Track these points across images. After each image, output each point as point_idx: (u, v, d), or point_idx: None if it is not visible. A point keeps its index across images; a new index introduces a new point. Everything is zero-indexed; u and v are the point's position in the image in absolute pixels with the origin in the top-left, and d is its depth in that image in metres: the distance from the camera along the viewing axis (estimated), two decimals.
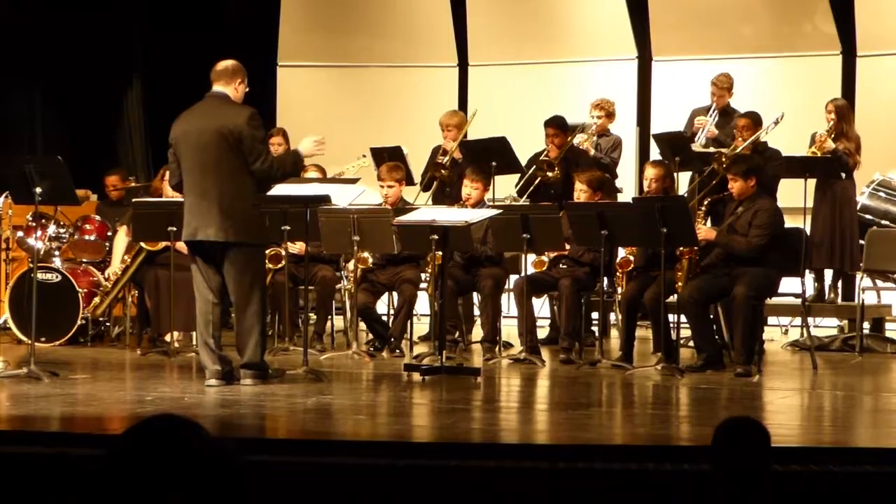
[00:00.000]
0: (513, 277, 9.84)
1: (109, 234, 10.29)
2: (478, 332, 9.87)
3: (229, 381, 7.60)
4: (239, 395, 7.26)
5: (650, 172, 9.34)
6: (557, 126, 10.62)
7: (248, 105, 7.78)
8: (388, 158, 10.54)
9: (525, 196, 10.52)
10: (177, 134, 7.73)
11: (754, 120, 10.44)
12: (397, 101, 13.45)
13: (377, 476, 5.33)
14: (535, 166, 10.54)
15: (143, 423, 2.25)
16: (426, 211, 9.10)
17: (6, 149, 11.87)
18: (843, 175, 10.41)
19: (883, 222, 10.62)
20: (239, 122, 7.55)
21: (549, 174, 10.44)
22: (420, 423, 6.86)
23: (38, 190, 7.96)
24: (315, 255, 9.49)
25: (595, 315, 9.96)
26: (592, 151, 10.84)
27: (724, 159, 9.95)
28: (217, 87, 7.74)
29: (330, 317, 10.02)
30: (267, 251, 8.70)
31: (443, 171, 10.69)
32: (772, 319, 10.84)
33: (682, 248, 8.69)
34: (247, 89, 7.82)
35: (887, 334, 10.45)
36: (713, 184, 9.87)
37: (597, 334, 9.79)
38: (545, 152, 10.61)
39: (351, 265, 9.53)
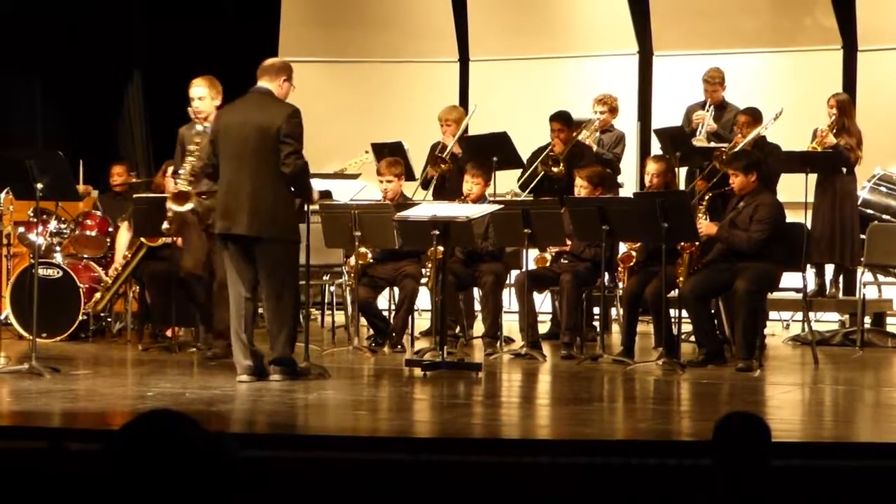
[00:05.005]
0: (514, 272, 9.83)
1: (110, 229, 10.29)
2: (479, 328, 9.85)
3: (260, 376, 7.56)
4: (239, 391, 7.25)
5: (651, 167, 9.33)
6: (563, 121, 10.60)
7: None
8: (389, 154, 10.52)
9: (528, 191, 10.51)
10: (218, 127, 7.74)
11: (754, 116, 10.43)
12: (398, 96, 13.43)
13: (378, 472, 5.33)
14: (539, 161, 10.52)
15: (139, 419, 2.24)
16: (427, 206, 9.08)
17: (6, 143, 11.86)
18: (844, 170, 10.40)
19: (884, 217, 10.61)
20: (278, 119, 7.52)
21: (555, 169, 10.43)
22: (421, 418, 6.86)
23: (39, 185, 7.94)
24: None
25: (596, 310, 9.95)
26: (595, 147, 10.82)
27: (724, 157, 9.92)
28: (261, 83, 7.73)
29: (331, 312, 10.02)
30: None
31: (442, 166, 10.67)
32: (773, 314, 10.81)
33: (683, 243, 8.69)
34: (293, 88, 7.80)
35: (888, 329, 10.44)
36: (714, 181, 9.84)
37: (598, 329, 9.77)
38: (549, 147, 10.59)
39: (352, 261, 9.52)
